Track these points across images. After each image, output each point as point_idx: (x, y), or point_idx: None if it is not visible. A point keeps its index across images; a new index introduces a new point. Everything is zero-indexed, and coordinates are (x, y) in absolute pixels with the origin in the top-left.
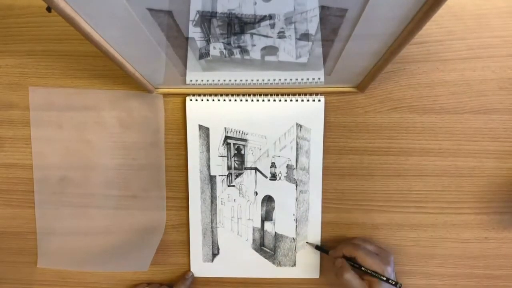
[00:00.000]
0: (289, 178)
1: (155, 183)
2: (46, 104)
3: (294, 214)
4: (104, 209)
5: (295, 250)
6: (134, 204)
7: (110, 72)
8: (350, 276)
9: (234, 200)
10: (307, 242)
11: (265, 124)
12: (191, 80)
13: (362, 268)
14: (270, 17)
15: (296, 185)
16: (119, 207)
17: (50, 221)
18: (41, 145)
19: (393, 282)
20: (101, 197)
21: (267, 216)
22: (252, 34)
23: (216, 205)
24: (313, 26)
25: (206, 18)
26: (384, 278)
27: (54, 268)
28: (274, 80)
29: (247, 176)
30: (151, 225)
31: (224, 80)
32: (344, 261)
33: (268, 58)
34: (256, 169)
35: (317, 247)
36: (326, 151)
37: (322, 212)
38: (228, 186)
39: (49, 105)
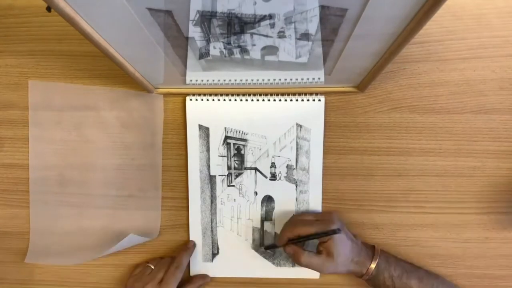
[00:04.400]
0: (289, 178)
1: (152, 183)
2: (46, 102)
3: (294, 214)
4: (102, 209)
5: None
6: (131, 204)
7: (110, 72)
8: (306, 258)
9: (234, 200)
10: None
11: (265, 124)
12: (191, 80)
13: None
14: (270, 16)
15: (296, 185)
16: (117, 207)
17: (47, 221)
18: (39, 144)
19: (336, 229)
20: (99, 197)
21: (267, 216)
22: (252, 34)
23: (216, 205)
24: (313, 26)
25: (206, 18)
26: (329, 232)
27: (41, 263)
28: (274, 80)
29: (247, 176)
30: (146, 226)
31: (224, 80)
32: (293, 247)
33: (268, 58)
34: (256, 169)
35: (266, 248)
36: (326, 151)
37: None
38: (228, 186)
39: (49, 103)
